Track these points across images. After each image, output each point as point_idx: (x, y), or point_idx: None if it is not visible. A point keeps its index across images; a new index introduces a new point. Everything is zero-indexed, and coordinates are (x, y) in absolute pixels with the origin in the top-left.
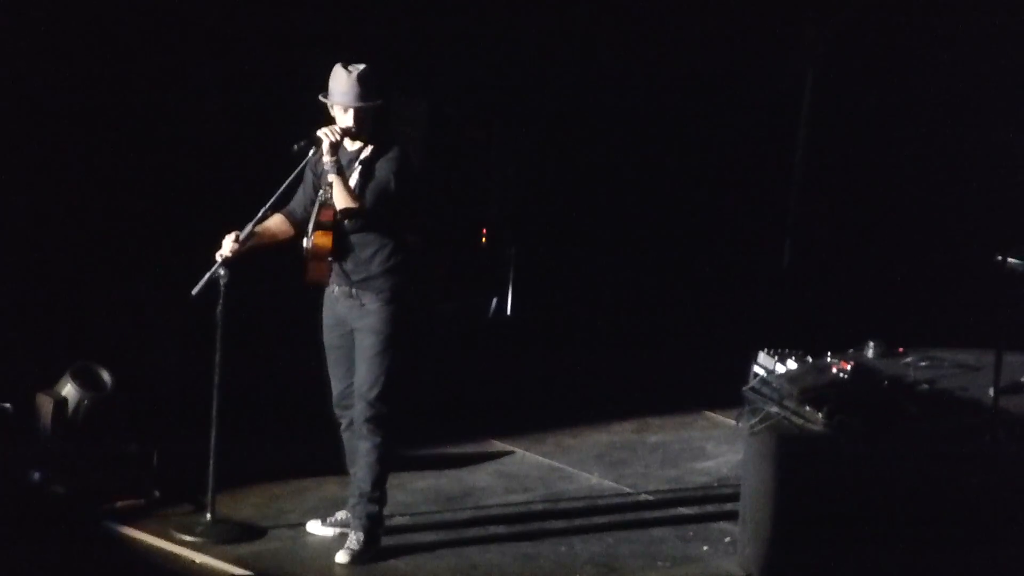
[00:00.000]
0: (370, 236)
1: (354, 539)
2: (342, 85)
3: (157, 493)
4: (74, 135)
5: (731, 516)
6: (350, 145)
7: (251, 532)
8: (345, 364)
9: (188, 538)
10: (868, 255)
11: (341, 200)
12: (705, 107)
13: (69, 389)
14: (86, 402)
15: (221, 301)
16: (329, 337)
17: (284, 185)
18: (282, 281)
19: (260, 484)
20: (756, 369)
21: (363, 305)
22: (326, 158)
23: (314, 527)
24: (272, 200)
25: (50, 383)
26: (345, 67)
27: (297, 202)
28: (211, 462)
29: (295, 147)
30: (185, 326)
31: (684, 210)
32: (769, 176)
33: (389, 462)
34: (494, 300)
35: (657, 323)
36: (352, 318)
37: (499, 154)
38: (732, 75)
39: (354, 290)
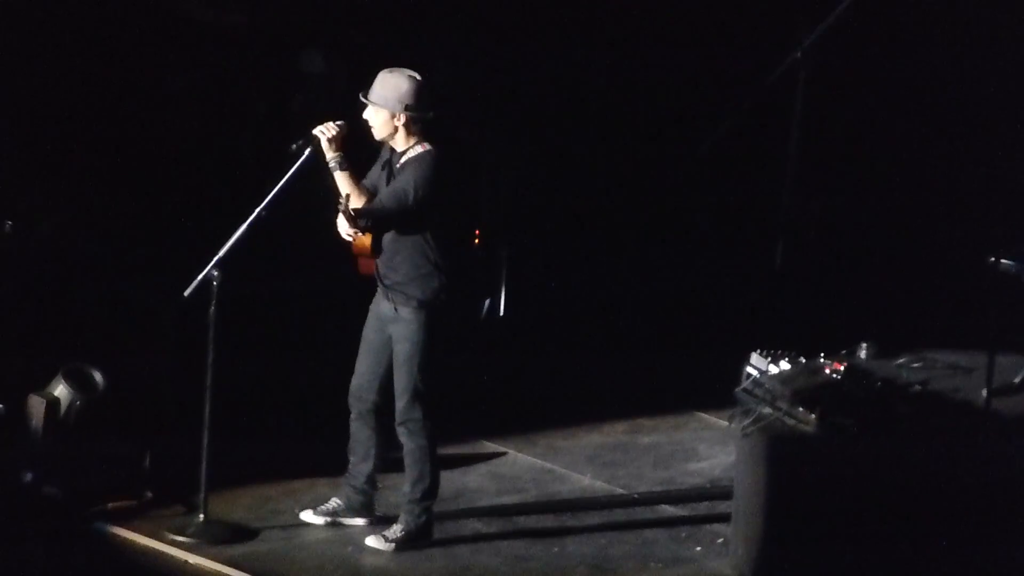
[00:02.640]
0: (397, 241)
1: (396, 529)
2: (377, 85)
3: (149, 494)
4: (66, 136)
5: (724, 517)
6: (399, 146)
7: (243, 533)
8: (372, 357)
9: (180, 539)
10: (861, 256)
11: (352, 198)
12: (698, 107)
13: (61, 390)
14: (78, 403)
15: (214, 302)
16: (367, 327)
17: (280, 185)
18: (276, 282)
19: (252, 485)
20: (748, 370)
21: (397, 312)
22: (329, 154)
23: (307, 515)
24: (267, 201)
25: (42, 384)
26: (389, 70)
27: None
28: (203, 463)
29: (293, 147)
30: (178, 327)
31: (677, 211)
32: (761, 177)
33: (430, 463)
34: (486, 301)
35: (649, 324)
36: (389, 321)
37: (491, 155)
38: (724, 75)
39: (389, 293)
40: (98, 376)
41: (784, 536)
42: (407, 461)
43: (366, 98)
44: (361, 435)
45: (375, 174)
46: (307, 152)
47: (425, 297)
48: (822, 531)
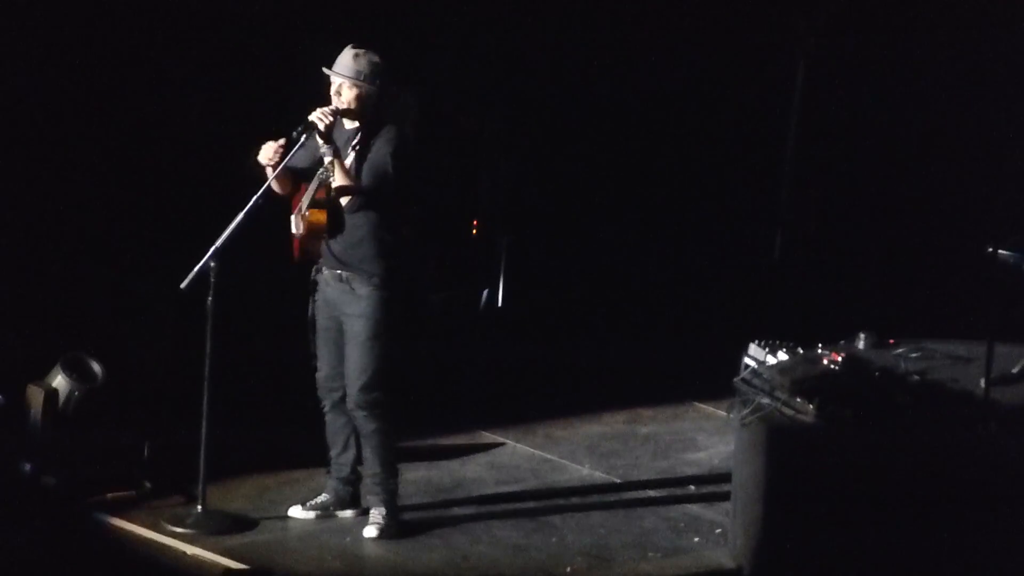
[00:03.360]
0: (363, 218)
1: (377, 514)
2: (348, 61)
3: (148, 484)
4: (65, 128)
5: (722, 507)
6: (347, 125)
7: (242, 523)
8: (332, 346)
9: (179, 529)
10: (859, 247)
11: (340, 180)
12: (696, 99)
13: (60, 380)
14: (77, 393)
15: (211, 293)
16: (318, 317)
17: (278, 171)
18: (273, 272)
19: (251, 475)
20: (747, 360)
21: (353, 290)
22: (321, 140)
23: (295, 511)
24: (263, 189)
25: (40, 374)
26: (355, 47)
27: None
28: (202, 453)
29: (294, 134)
30: (176, 317)
31: (676, 202)
32: (760, 168)
33: (393, 442)
34: (485, 291)
35: (648, 314)
36: (342, 303)
37: (490, 144)
38: (723, 67)
39: (344, 274)
40: (97, 366)
41: (783, 526)
42: (369, 443)
43: (342, 74)
44: (337, 425)
45: (299, 156)
46: (304, 138)
47: (386, 274)
48: (821, 521)
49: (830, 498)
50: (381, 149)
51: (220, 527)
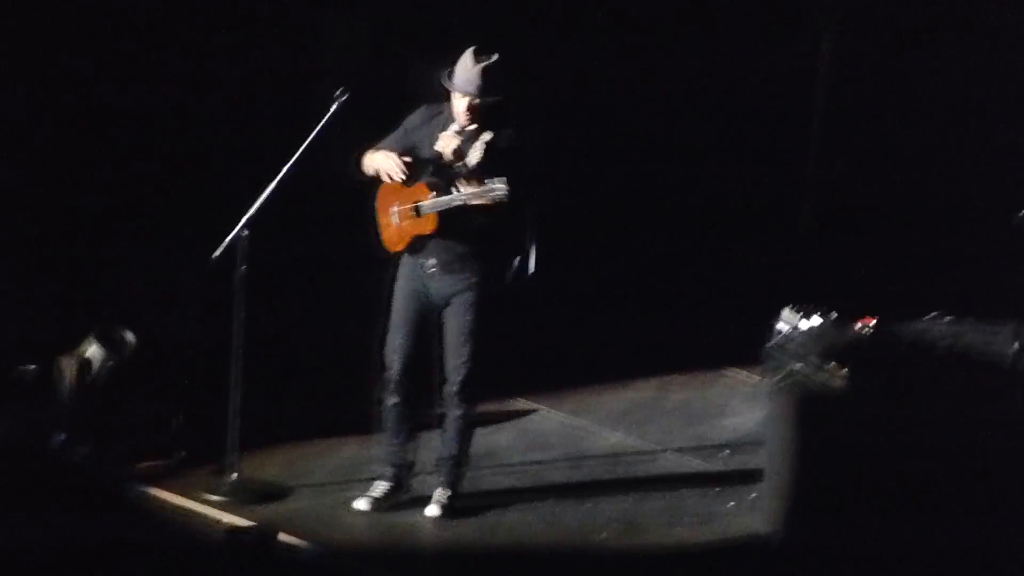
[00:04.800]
0: (489, 217)
1: (443, 495)
2: (467, 73)
3: (182, 454)
4: (96, 101)
5: (755, 473)
6: (467, 123)
7: (275, 492)
8: (414, 339)
9: (213, 498)
10: (888, 216)
11: (466, 192)
12: (723, 69)
13: (93, 350)
14: (110, 363)
15: (243, 263)
16: (408, 310)
17: (308, 141)
18: (306, 243)
19: (284, 444)
20: (779, 326)
21: (466, 278)
22: (455, 159)
23: (361, 504)
24: (295, 158)
25: (73, 345)
26: (476, 55)
27: (388, 147)
28: (233, 422)
29: (336, 93)
30: (208, 287)
31: (705, 170)
32: (787, 140)
33: (473, 428)
34: (516, 260)
35: (679, 281)
36: (448, 293)
37: (519, 113)
38: (749, 37)
39: (456, 264)
40: (130, 336)
41: (815, 492)
42: (457, 427)
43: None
44: (403, 415)
45: (406, 141)
46: (340, 103)
47: (492, 268)
48: (852, 487)
49: (861, 464)
50: (510, 157)
51: (253, 496)
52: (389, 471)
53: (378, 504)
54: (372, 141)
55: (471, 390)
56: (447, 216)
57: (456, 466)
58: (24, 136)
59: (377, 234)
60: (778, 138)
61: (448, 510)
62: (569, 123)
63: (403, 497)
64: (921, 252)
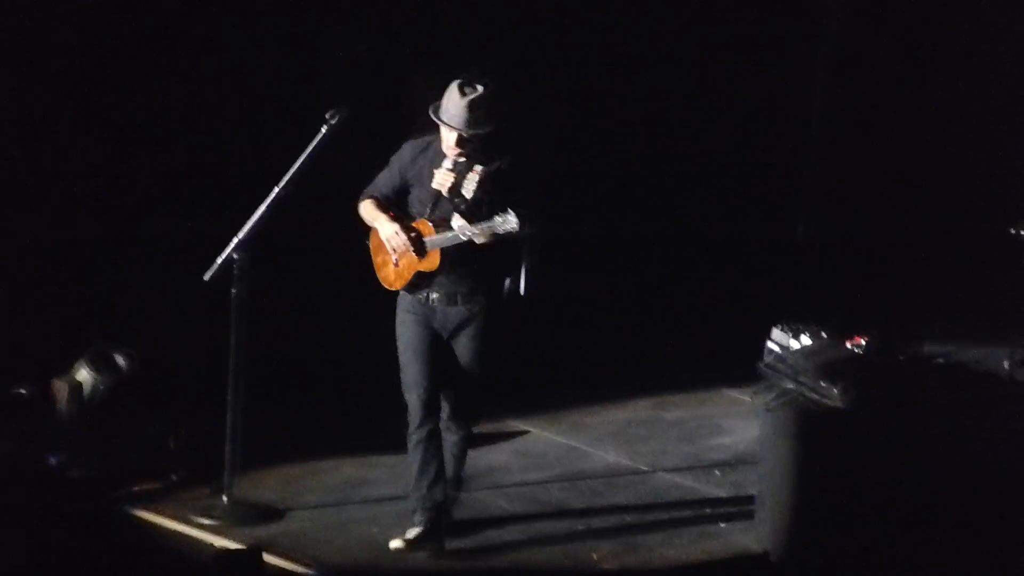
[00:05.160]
0: (492, 248)
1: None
2: (454, 107)
3: (175, 476)
4: (93, 113)
5: (749, 492)
6: (457, 156)
7: (270, 514)
8: (433, 372)
9: (206, 521)
10: (885, 228)
11: (472, 231)
12: (719, 76)
13: (84, 374)
14: (101, 386)
15: (236, 283)
16: (419, 338)
17: (299, 162)
18: (302, 263)
19: (278, 466)
20: (770, 345)
21: (470, 310)
22: (453, 196)
23: (398, 544)
24: (286, 179)
25: (67, 367)
26: (461, 88)
27: (384, 191)
28: (229, 444)
29: (327, 115)
30: (202, 308)
31: (698, 185)
32: (784, 148)
33: (467, 450)
34: (507, 280)
35: (672, 299)
36: (454, 325)
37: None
38: (746, 42)
39: (459, 296)
40: (122, 359)
41: (810, 510)
42: (454, 452)
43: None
44: (430, 453)
45: (401, 180)
46: (333, 124)
47: (496, 295)
48: (847, 505)
49: (856, 482)
50: (509, 187)
51: (248, 518)
52: (420, 517)
53: (411, 547)
54: (372, 154)
55: (475, 417)
56: (449, 252)
57: (454, 488)
58: (21, 155)
59: (373, 271)
60: (776, 149)
61: (420, 540)
62: (564, 137)
63: (438, 541)
64: (919, 264)
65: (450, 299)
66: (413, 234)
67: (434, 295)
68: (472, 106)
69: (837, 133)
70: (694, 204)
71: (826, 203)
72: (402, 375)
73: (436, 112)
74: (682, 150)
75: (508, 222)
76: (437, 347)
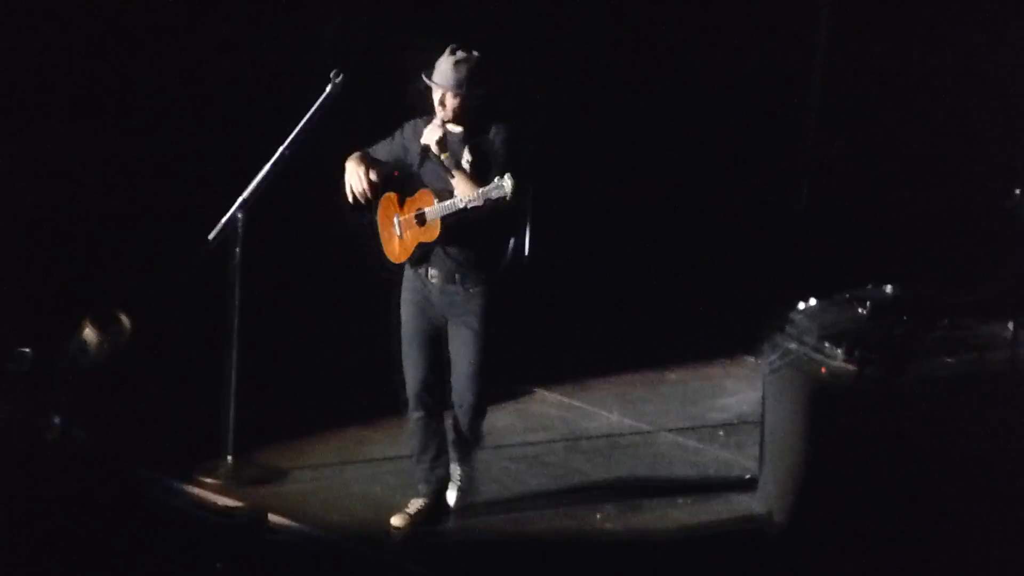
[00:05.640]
0: (472, 218)
1: (463, 480)
2: (448, 69)
3: (178, 436)
4: (88, 82)
5: (751, 453)
6: (452, 128)
7: (273, 474)
8: (427, 352)
9: (209, 480)
10: (888, 195)
11: (468, 196)
12: (718, 46)
13: (88, 333)
14: (106, 346)
15: (239, 246)
16: (417, 323)
17: (302, 123)
18: (304, 226)
19: (280, 427)
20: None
21: (468, 289)
22: (440, 155)
23: (397, 521)
24: (289, 139)
25: (69, 329)
26: (452, 50)
27: (377, 153)
28: (231, 404)
29: (331, 74)
30: (206, 270)
31: (701, 152)
32: (785, 117)
33: (483, 416)
34: (510, 245)
35: (674, 265)
36: (453, 303)
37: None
38: (745, 13)
39: (458, 275)
40: (126, 320)
41: (812, 472)
42: (470, 428)
43: (442, 84)
44: (430, 430)
45: (400, 152)
46: (334, 85)
47: (497, 271)
48: (849, 468)
49: (858, 444)
50: (499, 153)
51: (251, 477)
52: (423, 488)
53: (413, 520)
54: (369, 126)
55: (478, 402)
56: (449, 223)
57: (471, 454)
58: (18, 123)
59: (379, 247)
60: (775, 123)
61: (462, 495)
62: (565, 111)
63: (442, 515)
64: (923, 231)
65: (448, 277)
66: (417, 207)
67: (432, 271)
68: (459, 65)
69: (838, 104)
70: (697, 169)
71: (827, 175)
72: (402, 353)
73: (428, 75)
74: (681, 116)
75: (501, 188)
76: (436, 327)
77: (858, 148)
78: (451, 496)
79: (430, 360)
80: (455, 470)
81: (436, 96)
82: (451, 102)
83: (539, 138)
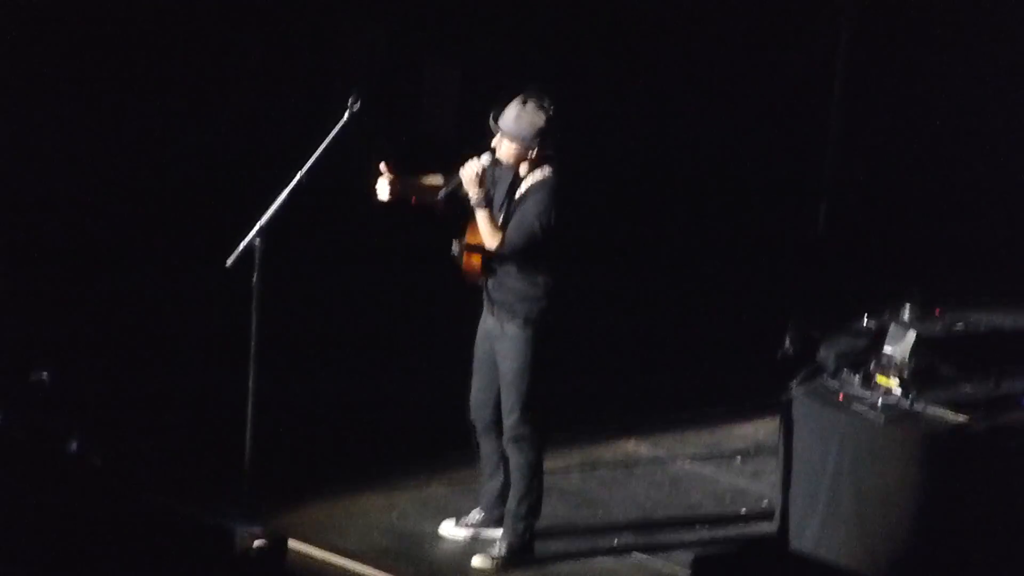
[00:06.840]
0: (510, 262)
1: (500, 547)
2: (511, 116)
3: (194, 462)
4: (110, 102)
5: (768, 480)
6: (521, 171)
7: (289, 500)
8: (484, 372)
9: (228, 507)
10: (905, 219)
11: (484, 234)
12: (738, 68)
13: None
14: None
15: (257, 270)
16: (477, 343)
17: (321, 149)
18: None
19: (298, 452)
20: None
21: (502, 328)
22: (472, 192)
23: (447, 528)
24: (307, 166)
25: (87, 353)
26: (523, 99)
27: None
28: (248, 430)
29: (350, 99)
30: (224, 293)
31: (716, 180)
32: (803, 141)
33: (538, 481)
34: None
35: (691, 290)
36: (494, 336)
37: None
38: (767, 34)
39: (495, 309)
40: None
41: (828, 500)
42: (514, 476)
43: (502, 129)
44: (487, 449)
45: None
46: (354, 109)
47: (532, 315)
48: (867, 495)
49: (877, 472)
50: (532, 205)
51: (267, 503)
52: (480, 500)
53: (461, 527)
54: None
55: (526, 436)
56: (487, 262)
57: (517, 519)
58: (36, 142)
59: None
60: (794, 143)
61: (498, 561)
62: (584, 133)
63: (495, 530)
64: (942, 253)
65: (490, 309)
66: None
67: (485, 299)
68: (519, 115)
69: (857, 126)
70: (711, 196)
71: (846, 197)
72: None
73: (496, 114)
74: (698, 141)
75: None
76: (490, 352)
77: (877, 172)
78: (478, 561)
79: (484, 380)
80: (498, 543)
81: (495, 138)
82: (506, 146)
83: (562, 202)
